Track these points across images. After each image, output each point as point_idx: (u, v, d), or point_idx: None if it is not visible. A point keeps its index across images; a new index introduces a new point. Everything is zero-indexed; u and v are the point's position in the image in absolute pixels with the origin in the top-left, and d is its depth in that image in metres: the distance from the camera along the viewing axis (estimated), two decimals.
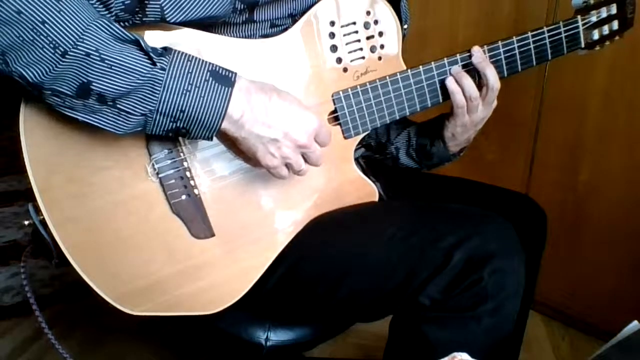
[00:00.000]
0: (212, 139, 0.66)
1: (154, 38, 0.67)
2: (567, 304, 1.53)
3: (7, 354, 1.42)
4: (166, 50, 0.62)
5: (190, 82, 0.61)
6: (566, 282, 1.51)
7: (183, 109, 0.62)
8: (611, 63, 1.27)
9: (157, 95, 0.60)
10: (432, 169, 1.00)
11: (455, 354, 0.58)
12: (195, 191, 0.73)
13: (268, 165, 0.69)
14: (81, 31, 0.56)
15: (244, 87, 0.64)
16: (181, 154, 0.72)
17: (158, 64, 0.60)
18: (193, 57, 0.63)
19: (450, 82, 0.83)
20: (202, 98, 0.62)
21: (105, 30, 0.57)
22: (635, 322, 0.63)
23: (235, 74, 0.64)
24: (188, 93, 0.61)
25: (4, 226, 2.00)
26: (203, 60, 0.63)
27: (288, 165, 0.70)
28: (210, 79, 0.62)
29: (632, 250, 1.35)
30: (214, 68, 0.63)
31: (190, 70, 0.61)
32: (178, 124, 0.63)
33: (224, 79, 0.63)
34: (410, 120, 0.97)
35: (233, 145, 0.68)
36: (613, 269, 1.40)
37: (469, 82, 0.82)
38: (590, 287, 1.46)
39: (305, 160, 0.71)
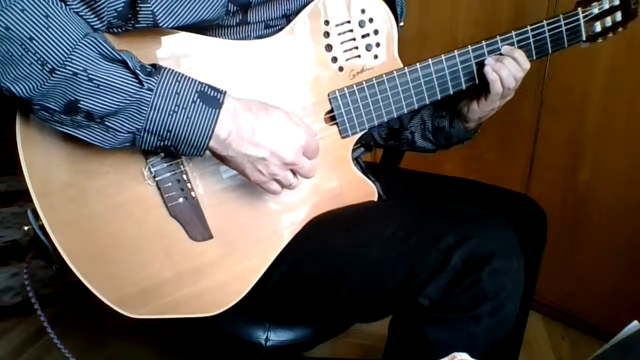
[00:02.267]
0: (202, 156, 0.67)
1: (148, 43, 0.67)
2: (567, 304, 1.53)
3: (7, 354, 1.42)
4: (156, 68, 0.62)
5: (178, 104, 0.62)
6: (566, 282, 1.50)
7: (170, 128, 0.62)
8: (611, 63, 1.27)
9: (144, 115, 0.61)
10: (449, 148, 1.00)
11: (455, 354, 0.58)
12: (192, 194, 0.73)
13: (257, 182, 0.69)
14: (70, 50, 0.56)
15: (231, 107, 0.65)
16: (177, 157, 0.72)
17: (145, 85, 0.60)
18: (182, 76, 0.63)
19: (489, 72, 0.83)
20: (189, 119, 0.62)
21: (94, 49, 0.58)
22: (635, 322, 0.63)
23: (224, 94, 0.65)
24: (175, 114, 0.62)
25: (4, 226, 2.00)
26: (191, 80, 0.63)
27: (277, 181, 0.70)
28: (198, 100, 0.63)
29: (632, 250, 1.35)
30: (202, 88, 0.63)
31: (178, 91, 0.62)
32: (166, 142, 0.64)
33: (212, 100, 0.63)
34: None
35: (223, 161, 0.69)
36: (613, 268, 1.40)
37: (507, 73, 0.83)
38: (590, 287, 1.46)
39: (296, 175, 0.71)
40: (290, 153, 0.68)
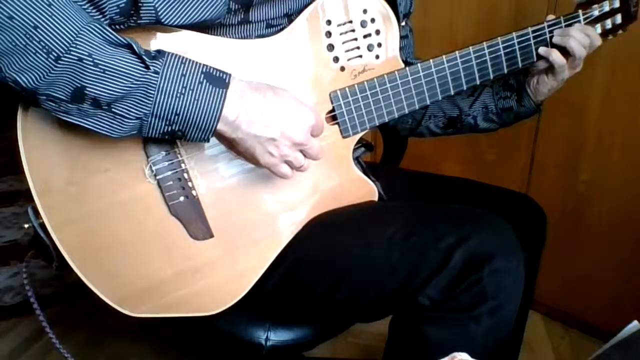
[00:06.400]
0: (208, 141, 0.66)
1: (150, 40, 0.67)
2: (567, 304, 1.53)
3: (7, 354, 1.42)
4: (160, 52, 0.62)
5: (184, 85, 0.61)
6: (566, 282, 1.50)
7: (178, 111, 0.62)
8: (611, 63, 1.27)
9: (151, 99, 0.60)
10: (512, 125, 1.01)
11: (455, 354, 0.58)
12: (194, 192, 0.73)
13: (268, 164, 0.69)
14: (74, 36, 0.56)
15: (238, 88, 0.64)
16: (179, 156, 0.72)
17: (151, 68, 0.60)
18: (186, 59, 0.62)
19: (547, 51, 0.86)
20: (196, 100, 0.62)
21: (98, 35, 0.57)
22: (635, 322, 0.63)
23: (230, 75, 0.64)
24: (182, 96, 0.61)
25: (4, 226, 2.00)
26: (197, 62, 0.63)
27: (288, 163, 0.70)
28: (205, 81, 0.62)
29: (632, 250, 1.35)
30: (208, 70, 0.63)
31: (183, 73, 0.61)
32: (173, 127, 0.63)
33: (218, 80, 0.63)
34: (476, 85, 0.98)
35: (232, 146, 0.68)
36: (613, 268, 1.40)
37: (576, 44, 0.85)
38: (591, 287, 1.46)
39: (305, 156, 0.71)
40: (300, 133, 0.67)
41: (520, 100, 0.94)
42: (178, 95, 0.61)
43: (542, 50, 0.87)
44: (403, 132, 1.11)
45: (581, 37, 0.85)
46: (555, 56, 0.85)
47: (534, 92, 0.92)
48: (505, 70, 0.87)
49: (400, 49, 0.88)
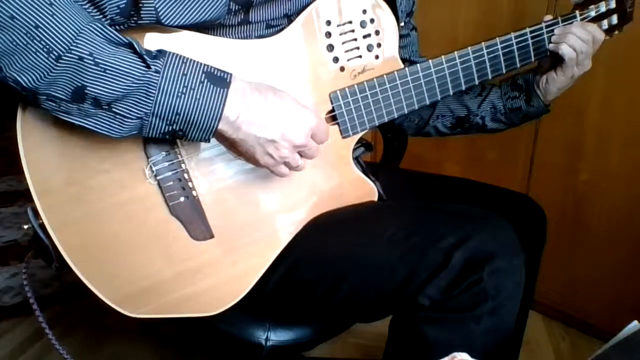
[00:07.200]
0: (209, 141, 0.66)
1: (150, 41, 0.67)
2: (567, 304, 1.53)
3: (7, 354, 1.42)
4: (161, 52, 0.61)
5: (185, 85, 0.61)
6: (566, 282, 1.51)
7: (179, 111, 0.61)
8: (610, 63, 1.27)
9: (152, 98, 0.60)
10: (521, 125, 1.02)
11: (455, 354, 0.58)
12: (194, 193, 0.73)
13: (267, 165, 0.69)
14: (75, 35, 0.56)
15: (239, 88, 0.64)
16: (179, 156, 0.72)
17: (152, 67, 0.59)
18: (187, 58, 0.62)
19: (557, 46, 0.86)
20: (197, 100, 0.62)
21: (99, 34, 0.57)
22: (635, 322, 0.63)
23: (231, 75, 0.64)
24: (183, 95, 0.61)
25: (4, 226, 2.00)
26: (198, 62, 0.63)
27: (286, 164, 0.70)
28: (206, 80, 0.62)
29: (632, 250, 1.35)
30: (209, 69, 0.63)
31: (185, 72, 0.61)
32: (174, 127, 0.63)
33: (219, 80, 0.63)
34: (485, 85, 0.98)
35: (232, 146, 0.68)
36: (613, 268, 1.40)
37: (575, 40, 0.85)
38: (591, 287, 1.46)
39: (301, 156, 0.71)
40: (300, 136, 0.67)
41: (529, 101, 0.95)
42: (179, 94, 0.61)
43: (552, 46, 0.87)
44: (410, 131, 1.11)
45: (582, 33, 0.85)
46: (565, 49, 0.86)
47: (544, 92, 0.92)
48: (504, 71, 0.87)
49: (401, 47, 0.88)
